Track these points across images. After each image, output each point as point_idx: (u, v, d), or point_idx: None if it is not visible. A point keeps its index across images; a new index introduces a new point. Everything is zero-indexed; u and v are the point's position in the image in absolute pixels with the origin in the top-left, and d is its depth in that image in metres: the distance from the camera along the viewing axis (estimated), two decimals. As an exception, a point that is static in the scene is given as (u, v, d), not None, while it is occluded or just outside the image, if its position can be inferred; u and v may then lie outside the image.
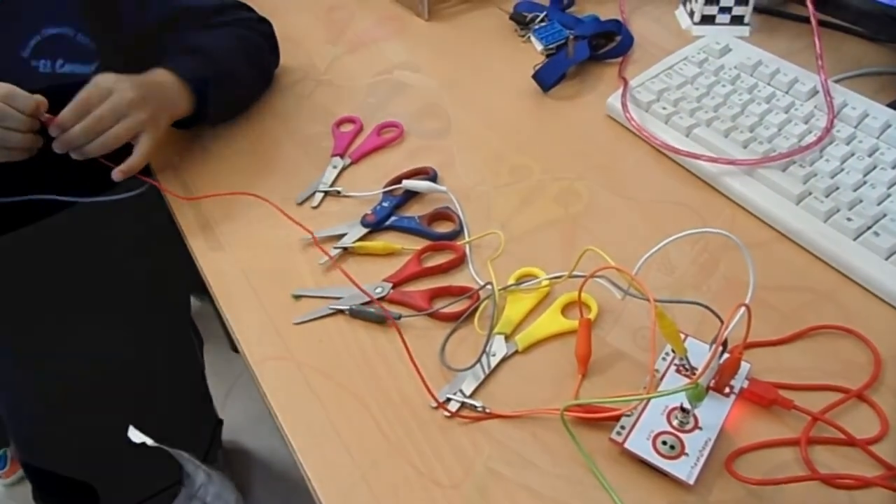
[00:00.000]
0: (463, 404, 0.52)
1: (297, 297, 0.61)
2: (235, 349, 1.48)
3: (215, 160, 0.77)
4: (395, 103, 0.81)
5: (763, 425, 0.50)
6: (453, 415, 0.52)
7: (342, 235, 0.66)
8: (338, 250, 0.64)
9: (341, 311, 0.60)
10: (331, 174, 0.72)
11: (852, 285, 0.58)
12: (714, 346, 0.46)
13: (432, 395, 0.52)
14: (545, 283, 0.60)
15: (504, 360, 0.55)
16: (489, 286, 0.58)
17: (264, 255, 0.66)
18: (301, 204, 0.70)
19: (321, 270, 0.64)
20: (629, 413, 0.50)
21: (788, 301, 0.57)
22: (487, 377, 0.54)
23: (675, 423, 0.49)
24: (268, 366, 0.57)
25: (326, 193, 0.70)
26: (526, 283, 0.60)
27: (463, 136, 0.76)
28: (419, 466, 0.49)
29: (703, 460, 0.47)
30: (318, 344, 0.58)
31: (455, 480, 0.48)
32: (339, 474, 0.49)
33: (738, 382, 0.51)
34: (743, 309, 0.47)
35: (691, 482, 0.46)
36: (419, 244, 0.65)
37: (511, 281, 0.60)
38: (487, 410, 0.52)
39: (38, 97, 0.62)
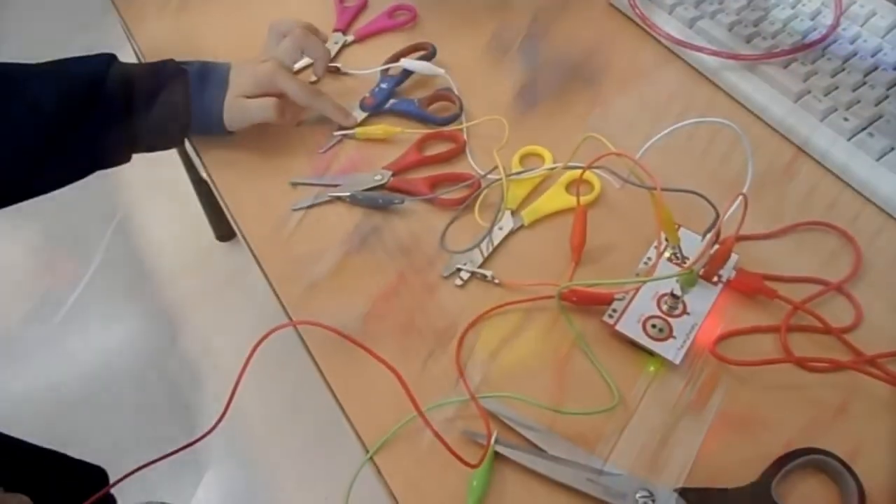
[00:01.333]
0: (473, 274, 0.54)
1: (295, 184, 0.61)
2: (222, 237, 1.50)
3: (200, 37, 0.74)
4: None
5: (747, 313, 0.53)
6: (464, 283, 0.54)
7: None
8: (338, 136, 0.63)
9: (339, 199, 0.59)
10: (331, 47, 0.70)
11: (842, 184, 0.60)
12: (711, 232, 0.48)
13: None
14: (545, 172, 0.60)
15: (510, 234, 0.56)
16: (490, 175, 0.59)
17: (262, 142, 0.64)
18: (297, 73, 0.68)
19: (321, 158, 0.63)
20: (620, 297, 0.52)
21: (777, 197, 0.59)
22: (493, 252, 0.55)
23: (664, 308, 0.51)
24: (268, 250, 0.57)
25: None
26: (528, 172, 0.60)
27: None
28: (424, 327, 0.52)
29: (689, 343, 0.50)
30: (317, 229, 0.58)
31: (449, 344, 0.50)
32: (347, 345, 0.51)
33: (726, 272, 0.53)
34: (739, 198, 0.48)
35: (677, 362, 0.49)
36: (418, 128, 0.64)
37: (515, 160, 0.60)
38: (496, 280, 0.53)
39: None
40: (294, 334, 0.52)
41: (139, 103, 0.59)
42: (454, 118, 0.64)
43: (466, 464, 0.44)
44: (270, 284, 0.55)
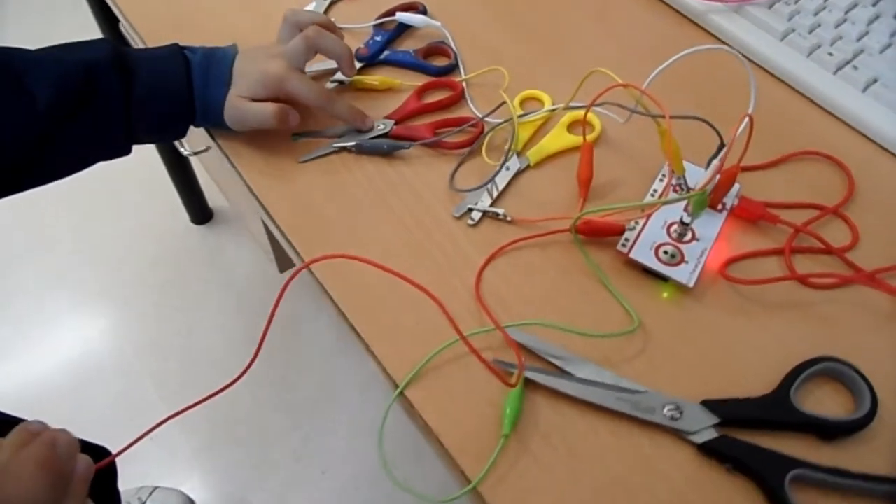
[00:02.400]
0: (484, 213, 0.54)
1: (297, 137, 0.60)
2: (197, 221, 1.47)
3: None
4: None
5: (751, 238, 0.54)
6: (476, 223, 0.54)
7: (336, 70, 0.64)
8: (334, 84, 0.63)
9: (345, 149, 0.59)
10: (321, 4, 0.69)
11: (830, 117, 0.62)
12: (719, 156, 0.49)
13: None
14: (546, 114, 0.61)
15: (517, 174, 0.57)
16: (489, 118, 0.59)
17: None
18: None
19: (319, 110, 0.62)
20: (632, 227, 0.53)
21: (769, 132, 0.60)
22: (502, 192, 0.56)
23: (674, 235, 0.53)
24: (279, 202, 0.57)
25: (316, 26, 0.68)
26: (533, 113, 0.60)
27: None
28: (443, 264, 0.52)
29: (700, 267, 0.51)
30: (325, 179, 0.58)
31: (468, 280, 0.51)
32: (358, 277, 0.51)
33: (730, 200, 0.55)
34: (745, 120, 0.49)
35: (691, 285, 0.50)
36: (414, 79, 0.64)
37: (515, 104, 0.61)
38: (509, 218, 0.54)
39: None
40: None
41: (139, 94, 0.56)
42: (452, 68, 0.65)
43: (505, 382, 0.45)
44: (285, 236, 0.55)
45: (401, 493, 1.17)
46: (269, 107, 0.56)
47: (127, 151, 0.59)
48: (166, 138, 0.61)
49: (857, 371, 0.47)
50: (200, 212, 1.49)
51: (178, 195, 1.45)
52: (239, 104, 0.57)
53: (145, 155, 0.90)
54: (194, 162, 1.36)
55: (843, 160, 0.59)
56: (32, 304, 1.41)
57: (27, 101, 0.53)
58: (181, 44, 0.58)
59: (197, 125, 0.60)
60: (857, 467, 0.43)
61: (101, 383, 1.32)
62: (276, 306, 0.47)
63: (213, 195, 1.49)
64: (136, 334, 1.37)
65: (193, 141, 1.05)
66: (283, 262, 1.08)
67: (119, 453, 0.46)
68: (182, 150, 1.12)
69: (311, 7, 0.69)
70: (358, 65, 0.65)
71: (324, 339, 1.33)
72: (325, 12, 0.70)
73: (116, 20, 0.97)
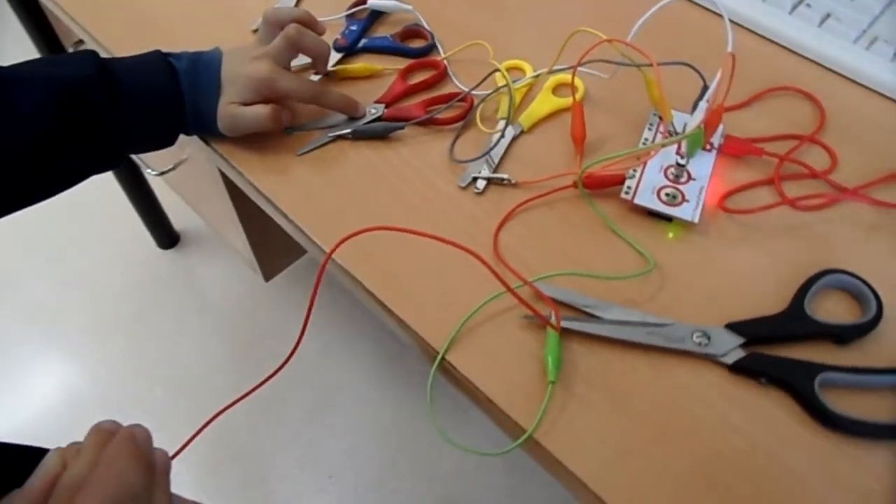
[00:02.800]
0: (489, 180, 0.56)
1: (290, 130, 0.61)
2: (164, 245, 1.44)
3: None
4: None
5: (741, 172, 0.58)
6: (483, 190, 0.56)
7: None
8: (318, 77, 0.64)
9: (341, 136, 0.60)
10: (288, 3, 0.70)
11: (793, 54, 0.66)
12: (707, 95, 0.52)
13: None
14: (531, 80, 0.63)
15: (513, 141, 0.59)
16: (476, 91, 0.61)
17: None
18: (257, 31, 0.67)
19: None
20: (631, 175, 0.55)
21: (740, 75, 0.63)
22: (501, 159, 0.58)
23: (671, 178, 0.55)
24: (287, 197, 0.57)
25: (289, 23, 0.68)
26: (522, 80, 0.62)
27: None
28: (456, 233, 0.54)
29: (701, 203, 0.54)
30: (326, 168, 0.58)
31: (485, 244, 0.53)
32: (380, 257, 0.52)
33: (717, 140, 0.58)
34: (728, 59, 0.52)
35: (696, 221, 0.53)
36: (396, 63, 0.65)
37: (498, 76, 0.62)
38: (513, 182, 0.56)
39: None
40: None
41: (128, 104, 0.55)
42: (430, 48, 0.66)
43: (551, 325, 0.46)
44: (300, 230, 0.55)
45: (410, 488, 1.18)
46: (263, 109, 0.56)
47: (119, 163, 0.59)
48: (157, 147, 0.60)
49: (859, 278, 0.50)
50: (167, 236, 1.46)
51: (141, 221, 1.42)
52: (232, 111, 0.57)
53: (104, 184, 0.89)
54: (156, 185, 1.34)
55: (811, 92, 0.62)
56: (5, 350, 1.36)
57: (16, 122, 0.52)
58: (163, 51, 0.58)
59: (189, 133, 0.60)
60: (874, 364, 0.46)
61: (86, 421, 1.27)
62: (315, 292, 0.48)
63: (177, 218, 1.46)
64: (117, 367, 1.34)
65: (158, 161, 1.04)
66: (269, 269, 1.07)
67: (175, 454, 0.46)
68: (148, 172, 1.10)
69: (283, 3, 0.70)
70: (338, 55, 0.66)
71: (311, 346, 1.33)
72: (297, 3, 0.70)
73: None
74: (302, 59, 0.64)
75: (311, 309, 0.48)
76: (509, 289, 0.47)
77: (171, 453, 0.43)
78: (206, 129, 0.59)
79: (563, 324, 0.48)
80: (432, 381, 0.48)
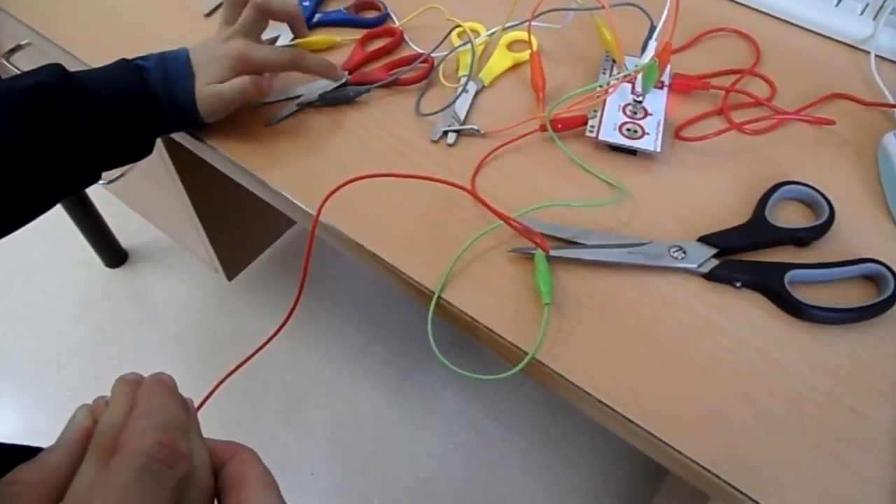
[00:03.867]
0: (459, 132, 0.58)
1: (258, 105, 0.61)
2: (111, 264, 1.40)
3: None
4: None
5: (692, 106, 0.61)
6: (455, 142, 0.58)
7: (275, 39, 0.65)
8: (293, 42, 0.64)
9: (310, 104, 0.61)
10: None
11: (728, 2, 0.70)
12: (656, 33, 0.55)
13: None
14: (486, 39, 0.65)
15: (476, 95, 0.61)
16: (435, 53, 0.63)
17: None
18: (209, 15, 0.68)
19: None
20: (593, 115, 0.58)
21: (684, 21, 0.67)
22: (468, 113, 0.60)
23: (629, 114, 0.59)
24: (261, 165, 0.58)
25: (241, 4, 0.68)
26: (478, 38, 0.65)
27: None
28: (431, 185, 0.55)
29: (660, 135, 0.57)
30: (299, 135, 0.59)
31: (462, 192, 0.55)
32: (364, 212, 0.53)
33: (667, 78, 0.61)
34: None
35: (658, 150, 0.56)
36: (353, 34, 0.67)
37: (454, 38, 0.65)
38: (482, 132, 0.58)
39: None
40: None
41: (100, 116, 0.52)
42: (384, 17, 0.68)
43: (542, 247, 0.48)
44: (285, 198, 0.56)
45: (393, 474, 1.19)
46: (244, 78, 0.56)
47: (96, 178, 0.56)
48: (133, 154, 0.57)
49: (811, 187, 0.54)
50: (114, 254, 1.43)
51: (86, 242, 1.38)
52: (212, 90, 0.56)
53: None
54: (99, 203, 1.31)
55: (745, 31, 0.67)
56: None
57: None
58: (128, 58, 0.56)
59: (166, 131, 0.58)
60: (833, 259, 0.50)
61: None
62: (308, 253, 0.48)
63: (123, 236, 1.43)
64: (80, 394, 1.29)
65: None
66: (231, 267, 1.07)
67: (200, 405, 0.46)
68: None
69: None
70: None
71: (278, 347, 1.32)
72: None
73: None
74: (266, 34, 0.65)
75: (305, 271, 0.49)
76: (505, 219, 0.48)
77: None
78: (185, 121, 0.57)
79: (550, 252, 0.50)
80: (432, 318, 0.49)
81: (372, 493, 1.18)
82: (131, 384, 0.37)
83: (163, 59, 0.56)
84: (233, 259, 1.05)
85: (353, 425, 1.25)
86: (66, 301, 1.40)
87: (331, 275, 1.42)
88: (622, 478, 1.17)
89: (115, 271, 1.45)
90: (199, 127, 0.59)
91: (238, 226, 0.98)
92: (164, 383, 0.37)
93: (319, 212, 0.49)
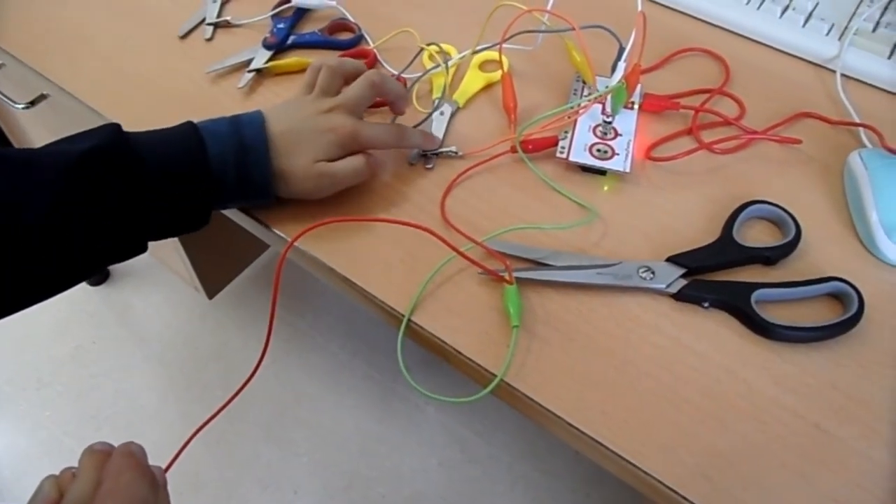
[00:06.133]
0: (437, 154, 0.58)
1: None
2: (93, 282, 1.39)
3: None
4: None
5: (662, 126, 0.62)
6: (433, 166, 0.58)
7: (249, 61, 0.66)
8: (251, 74, 0.65)
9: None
10: (213, 8, 0.70)
11: (694, 20, 0.72)
12: (625, 54, 0.56)
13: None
14: (457, 62, 0.66)
15: (452, 116, 0.62)
16: (405, 74, 0.64)
17: (179, 101, 0.64)
18: (185, 37, 0.69)
19: (242, 95, 0.64)
20: (563, 136, 0.59)
21: (651, 42, 0.68)
22: (445, 135, 0.60)
23: (600, 135, 0.59)
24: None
25: (216, 26, 0.69)
26: (451, 60, 0.65)
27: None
28: (409, 208, 0.55)
29: (630, 155, 0.58)
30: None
31: (436, 214, 0.55)
32: (337, 237, 0.54)
33: (637, 98, 0.62)
34: (640, 18, 0.56)
35: (628, 170, 0.57)
36: (326, 56, 0.67)
37: (425, 59, 0.65)
38: (460, 154, 0.58)
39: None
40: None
41: (153, 186, 0.48)
42: (359, 39, 0.68)
43: (503, 280, 0.49)
44: (265, 224, 0.55)
45: (377, 492, 1.18)
46: (359, 161, 0.53)
47: (143, 249, 0.51)
48: (186, 226, 0.52)
49: (778, 206, 0.55)
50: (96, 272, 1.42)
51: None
52: (323, 170, 0.52)
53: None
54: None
55: (715, 51, 0.68)
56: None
57: (25, 205, 0.44)
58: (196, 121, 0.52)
59: (225, 205, 0.54)
60: (799, 278, 0.51)
61: (33, 475, 1.22)
62: (276, 290, 0.48)
63: (106, 251, 1.42)
64: (60, 413, 1.28)
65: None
66: (212, 286, 1.06)
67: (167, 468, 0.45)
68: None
69: (207, 9, 0.70)
70: (268, 53, 0.67)
71: (253, 361, 1.31)
72: (220, 11, 0.71)
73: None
74: (238, 57, 0.65)
75: (273, 310, 0.49)
76: (458, 251, 0.49)
77: None
78: (253, 195, 0.53)
79: (518, 274, 0.50)
80: (402, 341, 0.50)
81: (356, 511, 1.18)
82: (100, 456, 0.37)
83: (237, 123, 0.51)
84: (213, 278, 1.05)
85: (337, 442, 1.25)
86: (47, 319, 1.39)
87: (312, 291, 1.42)
88: (605, 490, 1.18)
89: (96, 289, 1.44)
90: (267, 203, 0.54)
91: (218, 245, 0.98)
92: (132, 456, 0.37)
93: (291, 244, 0.49)
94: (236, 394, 0.51)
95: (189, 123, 0.51)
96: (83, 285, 1.42)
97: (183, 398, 1.28)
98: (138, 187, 0.47)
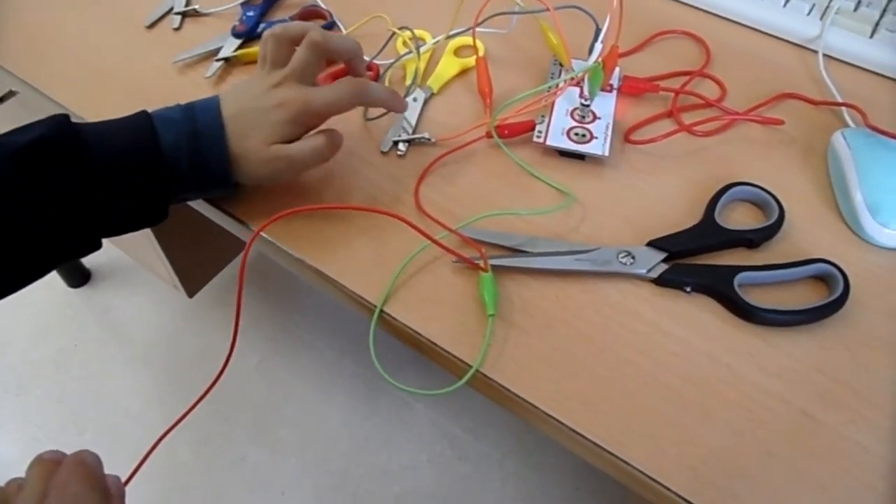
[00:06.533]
0: (410, 141, 0.57)
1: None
2: (74, 284, 1.37)
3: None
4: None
5: (642, 109, 0.61)
6: (405, 153, 0.56)
7: (218, 50, 0.64)
8: (220, 63, 0.63)
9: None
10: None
11: (678, 4, 0.70)
12: (600, 36, 0.55)
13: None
14: (431, 48, 0.64)
15: (426, 102, 0.60)
16: (378, 60, 0.62)
17: (146, 92, 0.62)
18: (151, 27, 0.67)
19: (210, 85, 0.62)
20: (541, 120, 0.57)
21: (633, 23, 0.67)
22: (418, 121, 0.59)
23: (578, 118, 0.58)
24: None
25: (184, 15, 0.67)
26: (424, 46, 0.63)
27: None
28: (380, 197, 0.54)
29: (609, 139, 0.56)
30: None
31: (409, 203, 0.53)
32: (308, 227, 0.52)
33: (616, 81, 0.61)
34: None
35: (606, 154, 0.55)
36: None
37: (399, 45, 0.64)
38: (433, 140, 0.57)
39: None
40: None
41: (103, 178, 0.45)
42: (331, 26, 0.66)
43: (478, 268, 0.47)
44: (232, 215, 0.54)
45: (366, 490, 1.16)
46: (317, 140, 0.49)
47: (97, 247, 0.49)
48: (142, 221, 0.49)
49: (760, 188, 0.54)
50: (77, 273, 1.40)
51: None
52: (278, 153, 0.48)
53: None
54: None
55: (695, 33, 0.67)
56: None
57: None
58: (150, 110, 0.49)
59: (184, 197, 0.51)
60: (782, 261, 0.50)
61: (13, 478, 1.20)
62: (241, 281, 0.47)
63: (86, 253, 1.40)
64: (42, 417, 1.26)
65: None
66: (192, 284, 1.04)
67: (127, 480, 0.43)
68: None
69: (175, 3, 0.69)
70: (237, 41, 0.65)
71: (246, 363, 1.29)
72: (188, 0, 0.69)
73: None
74: (204, 46, 0.63)
75: (238, 309, 0.47)
76: (431, 239, 0.47)
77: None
78: (212, 185, 0.49)
79: (494, 262, 0.49)
80: (374, 332, 0.48)
81: (344, 510, 1.16)
82: (48, 466, 0.35)
83: (191, 109, 0.48)
84: (192, 276, 1.03)
85: (325, 441, 1.23)
86: (27, 322, 1.37)
87: (298, 289, 1.40)
88: (595, 483, 1.16)
89: (77, 291, 1.42)
90: (227, 192, 0.51)
91: (196, 242, 0.96)
92: (83, 466, 0.34)
93: (256, 234, 0.48)
94: (198, 401, 0.49)
95: (142, 112, 0.48)
96: (63, 287, 1.40)
97: (167, 400, 1.26)
98: (86, 179, 0.45)
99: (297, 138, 0.49)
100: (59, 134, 0.45)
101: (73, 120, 0.46)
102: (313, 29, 0.49)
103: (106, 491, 0.36)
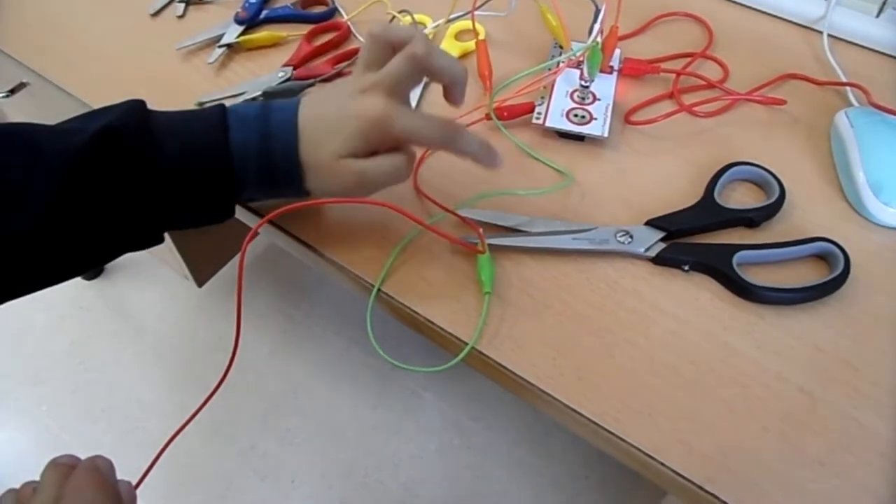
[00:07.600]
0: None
1: (202, 103, 0.60)
2: (88, 276, 1.39)
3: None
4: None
5: (642, 90, 0.60)
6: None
7: (220, 37, 0.64)
8: (222, 49, 0.63)
9: (254, 100, 0.60)
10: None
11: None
12: (602, 13, 0.54)
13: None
14: (433, 30, 0.64)
15: (426, 86, 0.60)
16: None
17: (152, 73, 0.63)
18: (156, 15, 0.67)
19: (212, 71, 0.63)
20: (540, 102, 0.57)
21: (636, 6, 0.67)
22: (418, 105, 0.59)
23: (577, 100, 0.58)
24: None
25: (188, 3, 0.68)
26: (425, 30, 0.64)
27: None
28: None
29: (608, 121, 0.56)
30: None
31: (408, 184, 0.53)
32: (319, 220, 0.52)
33: (616, 63, 0.60)
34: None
35: (606, 135, 0.55)
36: (300, 29, 0.66)
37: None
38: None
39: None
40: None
41: (168, 171, 0.43)
42: (332, 12, 0.67)
43: (475, 250, 0.47)
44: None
45: (375, 479, 1.17)
46: (396, 158, 0.44)
47: (159, 240, 0.47)
48: (207, 218, 0.47)
49: (761, 167, 0.53)
50: (90, 265, 1.41)
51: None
52: (354, 167, 0.43)
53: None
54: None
55: (698, 14, 0.66)
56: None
57: (40, 178, 0.41)
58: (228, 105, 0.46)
59: (252, 197, 0.48)
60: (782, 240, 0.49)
61: (33, 471, 1.22)
62: (240, 284, 0.47)
63: (99, 245, 1.41)
64: (57, 409, 1.28)
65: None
66: (201, 274, 1.05)
67: (138, 483, 0.44)
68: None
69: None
70: (240, 28, 0.65)
71: (255, 353, 1.30)
72: (189, -10, 0.70)
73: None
74: (209, 32, 0.63)
75: (240, 308, 0.47)
76: (423, 224, 0.46)
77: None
78: (283, 187, 0.46)
79: (491, 241, 0.49)
80: (371, 311, 0.48)
81: (354, 499, 1.17)
82: (63, 470, 0.35)
83: (267, 107, 0.45)
84: (202, 265, 1.04)
85: (334, 430, 1.24)
86: (42, 314, 1.39)
87: (308, 280, 1.41)
88: (604, 472, 1.16)
89: (91, 283, 1.43)
90: (297, 197, 0.46)
91: (205, 231, 0.97)
92: (96, 472, 0.35)
93: (254, 232, 0.48)
94: (207, 400, 0.49)
95: (219, 106, 0.45)
96: (78, 280, 1.42)
97: (180, 389, 1.28)
98: (152, 172, 0.43)
99: (368, 155, 0.44)
100: (130, 122, 0.43)
101: (148, 107, 0.45)
102: (418, 38, 0.43)
103: (118, 497, 0.37)
